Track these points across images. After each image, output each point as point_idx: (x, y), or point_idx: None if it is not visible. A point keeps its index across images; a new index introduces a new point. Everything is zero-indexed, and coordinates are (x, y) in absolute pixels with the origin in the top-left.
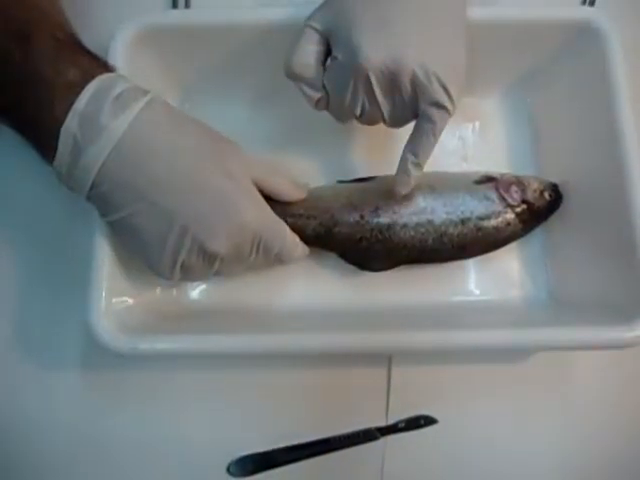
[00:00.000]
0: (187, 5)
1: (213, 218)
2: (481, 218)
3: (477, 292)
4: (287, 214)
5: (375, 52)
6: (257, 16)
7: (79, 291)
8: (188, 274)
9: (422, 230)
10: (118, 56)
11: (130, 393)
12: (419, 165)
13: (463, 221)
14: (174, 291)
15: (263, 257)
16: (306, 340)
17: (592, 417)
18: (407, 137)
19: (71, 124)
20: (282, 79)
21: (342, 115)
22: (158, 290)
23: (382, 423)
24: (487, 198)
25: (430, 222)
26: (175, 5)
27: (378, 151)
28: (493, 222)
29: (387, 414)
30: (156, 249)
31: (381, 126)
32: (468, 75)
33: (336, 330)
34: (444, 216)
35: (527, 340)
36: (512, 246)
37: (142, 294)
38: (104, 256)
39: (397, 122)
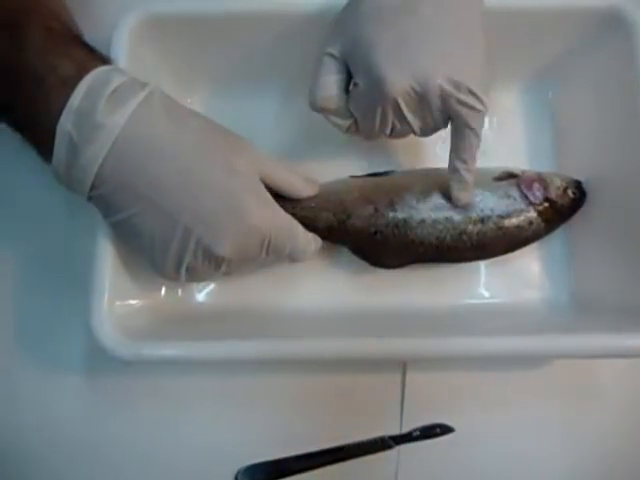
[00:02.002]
0: None
1: (218, 219)
2: (502, 216)
3: (494, 294)
4: (298, 207)
5: (399, 77)
6: (264, 5)
7: (82, 294)
8: (194, 276)
9: (440, 227)
10: (121, 47)
11: (134, 398)
12: (470, 170)
13: (483, 219)
14: (180, 292)
15: (274, 257)
16: (318, 346)
17: (611, 427)
18: None
19: (66, 123)
20: (292, 69)
21: (372, 136)
22: (163, 292)
23: (396, 431)
24: (508, 196)
25: (448, 219)
26: None
27: (393, 146)
28: (514, 221)
29: (401, 422)
30: (160, 251)
31: None
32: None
33: (349, 335)
34: (463, 213)
35: (547, 348)
36: (532, 246)
37: (146, 296)
38: (106, 258)
39: (428, 133)
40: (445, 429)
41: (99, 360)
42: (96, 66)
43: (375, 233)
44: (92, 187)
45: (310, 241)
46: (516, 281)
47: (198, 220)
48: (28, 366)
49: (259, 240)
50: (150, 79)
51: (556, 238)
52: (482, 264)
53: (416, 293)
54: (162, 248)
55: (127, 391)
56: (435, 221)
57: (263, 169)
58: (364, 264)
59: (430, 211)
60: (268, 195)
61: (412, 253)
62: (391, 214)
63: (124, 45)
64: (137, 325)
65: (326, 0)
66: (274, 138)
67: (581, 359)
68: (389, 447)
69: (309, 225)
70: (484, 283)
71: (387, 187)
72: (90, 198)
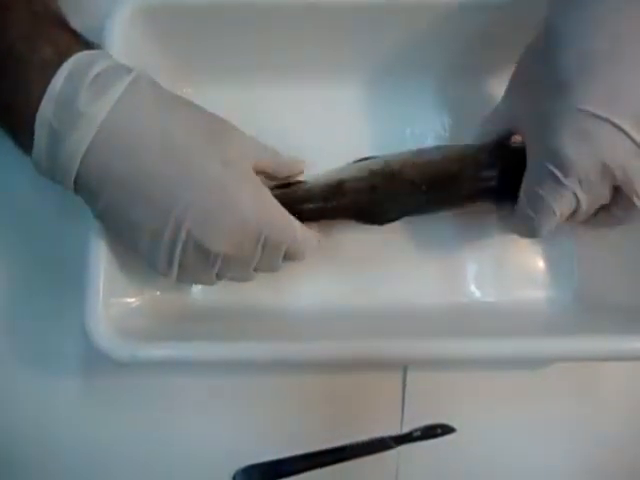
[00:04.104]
0: None
1: (211, 212)
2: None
3: (496, 294)
4: (290, 189)
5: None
6: None
7: (77, 295)
8: (188, 274)
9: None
10: (114, 36)
11: (130, 399)
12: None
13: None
14: (176, 293)
15: (272, 254)
16: (316, 348)
17: (614, 428)
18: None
19: (46, 110)
20: (288, 59)
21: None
22: (159, 292)
23: (397, 432)
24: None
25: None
26: None
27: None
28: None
29: (402, 422)
30: (150, 244)
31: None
32: None
33: (349, 336)
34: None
35: (551, 351)
36: (536, 243)
37: (142, 296)
38: (101, 258)
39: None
40: (446, 429)
41: (94, 361)
42: (79, 50)
43: (373, 188)
44: (77, 178)
45: (309, 237)
46: (519, 280)
47: (190, 212)
48: (23, 367)
49: (254, 234)
50: (143, 69)
51: (560, 236)
52: (483, 262)
53: (416, 292)
54: (153, 241)
55: (123, 392)
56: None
57: (256, 156)
58: (364, 264)
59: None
60: (264, 187)
61: (404, 197)
62: (387, 169)
63: (117, 34)
64: (133, 326)
65: None
66: (271, 128)
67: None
68: (389, 447)
69: (304, 200)
70: (486, 282)
71: (378, 161)
72: (77, 190)
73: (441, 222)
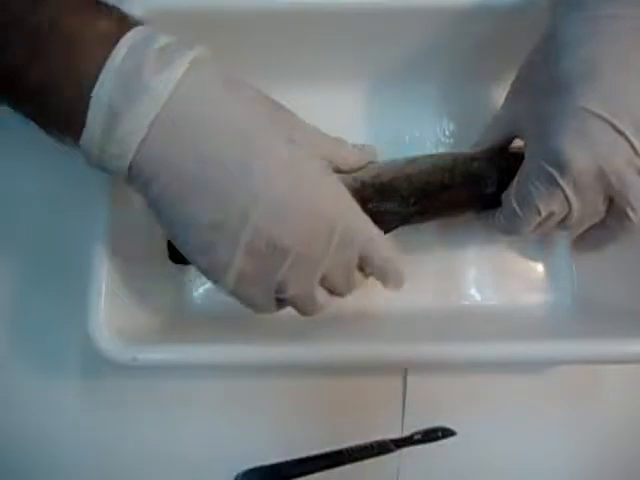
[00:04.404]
0: None
1: (281, 201)
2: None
3: (496, 296)
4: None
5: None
6: (269, 0)
7: (79, 298)
8: (246, 284)
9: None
10: None
11: (132, 402)
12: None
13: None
14: (177, 295)
15: (344, 255)
16: (317, 352)
17: (615, 431)
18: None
19: (105, 85)
20: (291, 64)
21: (519, 229)
22: (160, 295)
23: (397, 435)
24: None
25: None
26: None
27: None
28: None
29: (402, 425)
30: (207, 239)
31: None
32: None
33: (348, 339)
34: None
35: (551, 354)
36: (534, 246)
37: (143, 299)
38: (104, 262)
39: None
40: (446, 432)
41: (96, 364)
42: (136, 25)
43: (364, 202)
44: (132, 164)
45: (388, 243)
46: (519, 284)
47: (257, 202)
48: (25, 370)
49: (327, 228)
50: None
51: (559, 239)
52: (482, 266)
53: (417, 296)
54: (210, 234)
55: (124, 395)
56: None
57: (320, 142)
58: None
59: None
60: (335, 177)
61: (396, 212)
62: (377, 181)
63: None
64: (134, 329)
65: None
66: None
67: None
68: (390, 450)
69: (363, 191)
70: (486, 286)
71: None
72: (130, 178)
73: (442, 226)
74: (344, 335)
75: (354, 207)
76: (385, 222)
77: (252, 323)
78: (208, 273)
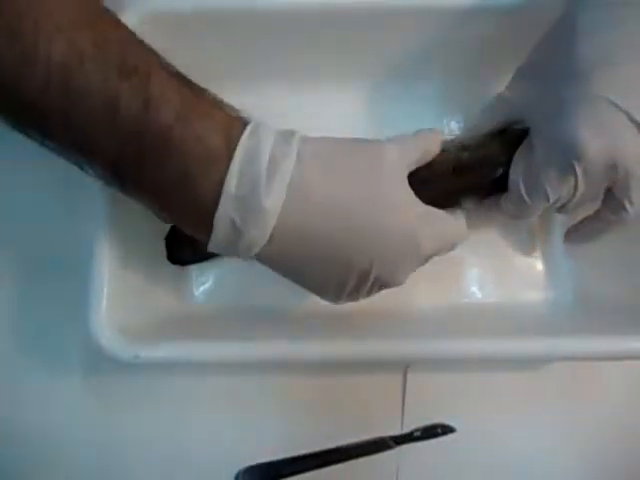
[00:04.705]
0: None
1: (395, 256)
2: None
3: (496, 293)
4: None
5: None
6: (268, 1)
7: (80, 295)
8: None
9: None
10: None
11: (133, 399)
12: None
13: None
14: (178, 294)
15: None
16: (318, 348)
17: (615, 428)
18: None
19: (225, 209)
20: (293, 64)
21: (528, 212)
22: (161, 293)
23: (397, 431)
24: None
25: None
26: None
27: None
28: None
29: (402, 422)
30: (333, 292)
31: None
32: None
33: (350, 337)
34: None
35: (551, 350)
36: (534, 243)
37: (145, 297)
38: (105, 259)
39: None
40: (446, 429)
41: (98, 361)
42: (238, 127)
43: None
44: (257, 258)
45: (461, 227)
46: (519, 281)
47: (374, 261)
48: (26, 367)
49: (427, 259)
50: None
51: (559, 234)
52: (481, 263)
53: (417, 293)
54: (337, 290)
55: (126, 392)
56: None
57: (410, 163)
58: None
59: None
60: (433, 211)
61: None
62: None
63: None
64: (136, 327)
65: None
66: None
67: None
68: (390, 447)
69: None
70: (486, 283)
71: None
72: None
73: None
74: (344, 332)
75: (448, 235)
76: None
77: (252, 321)
78: (328, 299)
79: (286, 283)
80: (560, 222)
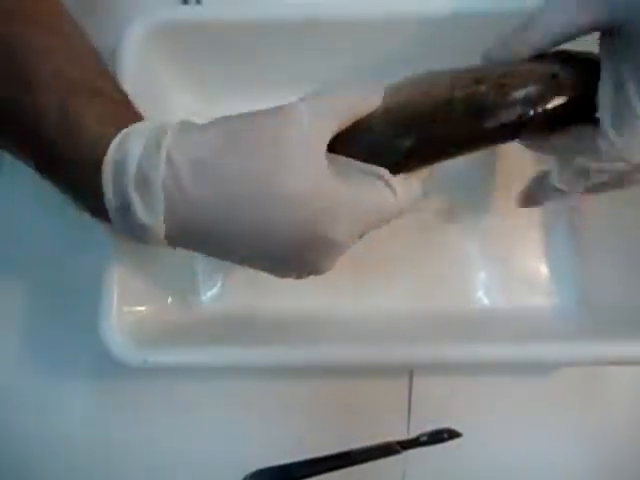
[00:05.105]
0: (198, 1)
1: (300, 251)
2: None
3: (500, 299)
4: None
5: None
6: (271, 12)
7: (90, 300)
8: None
9: None
10: (128, 55)
11: (142, 404)
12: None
13: None
14: (187, 298)
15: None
16: (325, 353)
17: (620, 434)
18: None
19: (115, 220)
20: (300, 76)
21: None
22: (170, 298)
23: (403, 436)
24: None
25: None
26: (186, 2)
27: None
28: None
29: (409, 427)
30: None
31: None
32: None
33: (356, 341)
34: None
35: (557, 356)
36: (538, 248)
37: (154, 302)
38: (115, 265)
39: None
40: (452, 434)
41: (108, 366)
42: (107, 139)
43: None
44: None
45: (406, 191)
46: (523, 287)
47: (274, 256)
48: (36, 373)
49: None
50: (156, 86)
51: (563, 238)
52: (490, 270)
53: (423, 298)
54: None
55: (136, 396)
56: None
57: (328, 127)
58: (368, 269)
59: None
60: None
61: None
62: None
63: (130, 53)
64: (144, 332)
65: (330, 6)
66: None
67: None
68: (396, 452)
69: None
70: (491, 289)
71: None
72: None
73: (447, 229)
74: (351, 337)
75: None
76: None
77: (259, 326)
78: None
79: (292, 287)
80: (563, 227)
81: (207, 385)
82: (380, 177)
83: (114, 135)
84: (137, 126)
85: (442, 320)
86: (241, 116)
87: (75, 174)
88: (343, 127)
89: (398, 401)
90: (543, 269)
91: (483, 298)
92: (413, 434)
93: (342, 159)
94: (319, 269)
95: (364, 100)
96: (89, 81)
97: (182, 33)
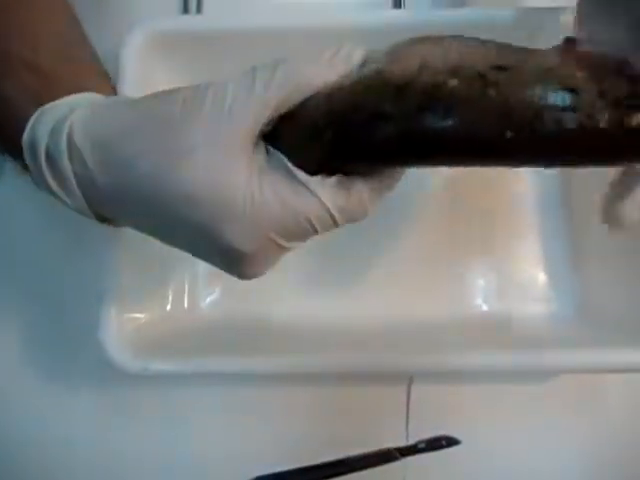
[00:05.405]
0: (199, 10)
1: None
2: None
3: (498, 306)
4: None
5: None
6: (270, 22)
7: (90, 308)
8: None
9: None
10: (129, 63)
11: (142, 411)
12: None
13: None
14: (185, 306)
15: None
16: (325, 361)
17: (618, 441)
18: None
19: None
20: None
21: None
22: (170, 306)
23: (402, 443)
24: None
25: None
26: (186, 11)
27: None
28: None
29: (407, 434)
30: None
31: None
32: None
33: (355, 349)
34: None
35: (553, 363)
36: (536, 255)
37: (154, 310)
38: (115, 272)
39: None
40: (451, 441)
41: (108, 373)
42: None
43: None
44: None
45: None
46: (521, 294)
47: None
48: (36, 380)
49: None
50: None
51: (561, 245)
52: (487, 277)
53: (420, 305)
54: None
55: (136, 404)
56: None
57: (255, 114)
58: (367, 278)
59: None
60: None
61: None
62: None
63: (131, 61)
64: (145, 340)
65: (330, 14)
66: None
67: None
68: (395, 459)
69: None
70: (489, 296)
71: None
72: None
73: (445, 235)
74: (349, 344)
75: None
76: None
77: (258, 333)
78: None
79: (292, 295)
80: (561, 234)
81: (205, 391)
82: (298, 180)
83: (33, 114)
84: (54, 104)
85: (441, 327)
86: (163, 92)
87: (12, 154)
88: (281, 111)
89: (397, 408)
90: (541, 276)
91: (482, 305)
92: (412, 441)
93: (272, 153)
94: (236, 274)
95: (309, 79)
96: (27, 57)
97: (182, 42)
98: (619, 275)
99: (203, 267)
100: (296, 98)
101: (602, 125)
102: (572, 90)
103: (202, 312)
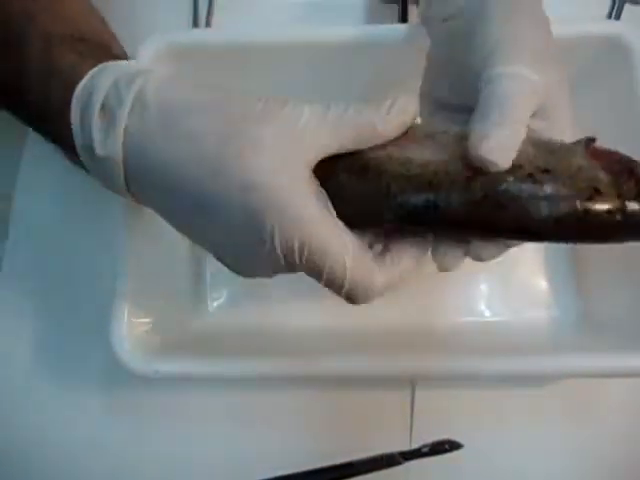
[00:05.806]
0: (208, 24)
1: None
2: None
3: (501, 312)
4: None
5: None
6: (280, 35)
7: (101, 311)
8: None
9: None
10: None
11: (150, 413)
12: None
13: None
14: (195, 310)
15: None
16: (330, 365)
17: (620, 445)
18: None
19: (82, 155)
20: (311, 97)
21: None
22: (179, 310)
23: (405, 447)
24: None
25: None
26: (196, 24)
27: None
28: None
29: (411, 438)
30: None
31: None
32: None
33: (359, 353)
34: None
35: (556, 368)
36: (538, 261)
37: (164, 314)
38: (126, 276)
39: None
40: (454, 445)
41: (118, 376)
42: (82, 75)
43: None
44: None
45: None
46: (523, 300)
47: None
48: (47, 382)
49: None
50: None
51: (563, 252)
52: (490, 283)
53: (422, 311)
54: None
55: (146, 406)
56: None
57: (323, 142)
58: None
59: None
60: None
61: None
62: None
63: None
64: (155, 343)
65: (335, 29)
66: None
67: (591, 378)
68: (398, 463)
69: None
70: (492, 302)
71: None
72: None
73: None
74: (353, 349)
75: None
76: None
77: (264, 337)
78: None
79: (298, 299)
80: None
81: (209, 395)
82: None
83: (91, 68)
84: (115, 62)
85: (444, 332)
86: (239, 93)
87: (49, 112)
88: (342, 150)
89: (400, 412)
90: (543, 282)
91: (484, 311)
92: (415, 445)
93: (321, 194)
94: (241, 272)
95: (374, 129)
96: (72, 33)
97: (192, 55)
98: (620, 281)
99: (211, 272)
100: (360, 142)
101: (618, 219)
102: (597, 190)
103: (210, 316)
